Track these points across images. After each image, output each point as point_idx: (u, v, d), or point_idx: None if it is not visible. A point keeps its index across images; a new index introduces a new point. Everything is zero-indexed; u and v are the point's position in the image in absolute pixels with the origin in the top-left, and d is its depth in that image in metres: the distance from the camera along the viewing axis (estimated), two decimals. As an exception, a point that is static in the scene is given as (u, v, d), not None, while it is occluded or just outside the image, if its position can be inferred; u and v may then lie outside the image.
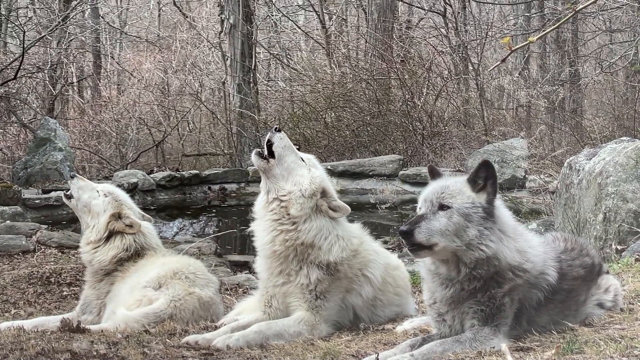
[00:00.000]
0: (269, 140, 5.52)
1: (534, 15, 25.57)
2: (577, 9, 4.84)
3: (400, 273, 5.89)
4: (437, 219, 4.34)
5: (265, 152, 5.50)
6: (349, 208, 5.57)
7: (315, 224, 5.40)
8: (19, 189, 13.21)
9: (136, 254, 6.48)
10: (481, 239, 4.36)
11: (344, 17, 28.11)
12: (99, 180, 15.98)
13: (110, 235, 6.51)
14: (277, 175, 5.47)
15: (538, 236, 4.85)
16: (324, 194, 5.49)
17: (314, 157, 5.75)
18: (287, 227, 5.39)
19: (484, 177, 4.46)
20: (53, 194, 13.73)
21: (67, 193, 6.73)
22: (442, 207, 4.38)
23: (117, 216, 6.54)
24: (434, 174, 4.69)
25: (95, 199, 6.60)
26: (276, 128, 5.61)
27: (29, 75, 22.08)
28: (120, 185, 14.93)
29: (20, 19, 23.54)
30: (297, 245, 5.35)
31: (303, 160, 5.56)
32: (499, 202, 4.55)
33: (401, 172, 16.32)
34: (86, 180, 6.77)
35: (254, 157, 5.52)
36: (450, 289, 4.48)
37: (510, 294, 4.44)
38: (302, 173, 5.49)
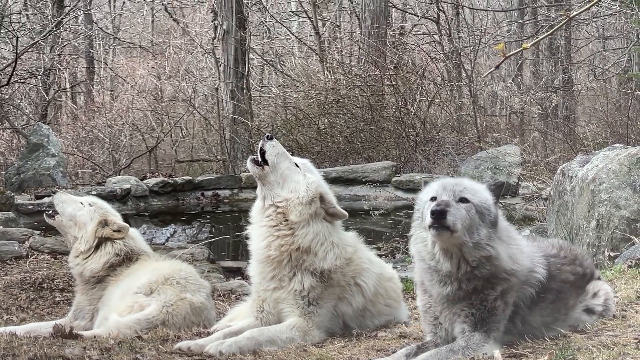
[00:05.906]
0: (261, 149, 5.52)
1: (528, 22, 25.63)
2: (570, 16, 4.84)
3: (392, 285, 5.84)
4: (459, 209, 4.41)
5: (259, 159, 5.50)
6: (346, 214, 5.59)
7: (312, 229, 5.40)
8: (12, 194, 13.15)
9: (127, 259, 6.49)
10: (489, 240, 4.46)
11: (338, 24, 28.14)
12: (92, 185, 15.98)
13: (100, 243, 6.51)
14: (272, 182, 5.48)
15: (525, 238, 4.95)
16: (322, 199, 5.50)
17: (309, 162, 5.75)
18: (284, 233, 5.39)
19: (498, 194, 4.62)
20: (46, 200, 13.66)
21: (49, 212, 6.72)
22: (463, 200, 4.46)
23: (104, 223, 6.55)
24: None
25: (80, 210, 6.61)
26: (268, 136, 5.61)
27: (22, 80, 22.08)
28: (113, 191, 15.02)
29: (13, 25, 23.48)
30: (292, 250, 5.34)
31: (297, 166, 5.56)
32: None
33: (394, 179, 16.30)
34: (68, 194, 6.80)
35: (249, 164, 5.53)
36: (447, 287, 4.53)
37: (503, 297, 4.48)
38: (297, 179, 5.49)
